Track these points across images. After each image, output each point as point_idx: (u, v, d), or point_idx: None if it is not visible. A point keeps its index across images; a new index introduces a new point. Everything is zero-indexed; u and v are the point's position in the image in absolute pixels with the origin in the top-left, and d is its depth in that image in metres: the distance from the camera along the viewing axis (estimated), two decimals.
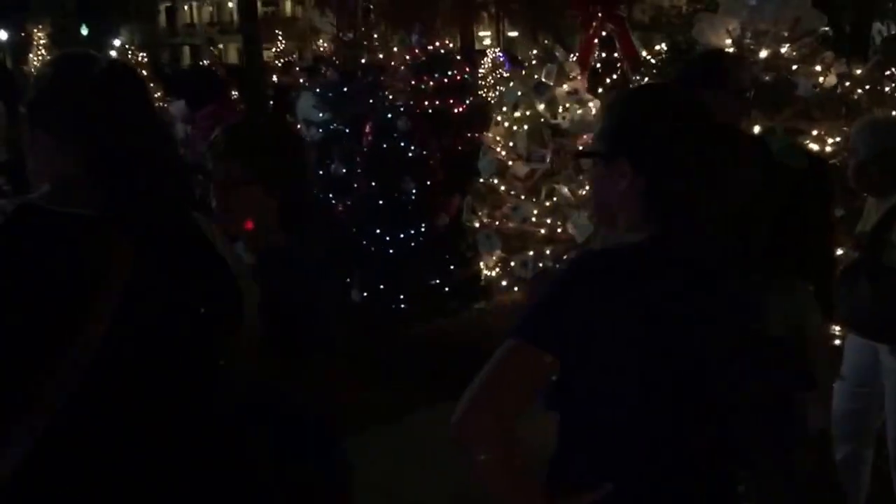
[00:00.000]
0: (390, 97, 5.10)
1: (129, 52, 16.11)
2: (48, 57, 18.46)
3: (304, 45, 33.15)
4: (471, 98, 8.23)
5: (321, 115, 5.12)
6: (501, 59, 16.58)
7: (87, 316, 1.45)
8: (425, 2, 16.44)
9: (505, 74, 15.27)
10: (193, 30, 52.87)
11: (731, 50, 4.52)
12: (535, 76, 6.24)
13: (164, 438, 1.54)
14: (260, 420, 1.84)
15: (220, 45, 44.85)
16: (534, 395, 1.65)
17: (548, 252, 6.04)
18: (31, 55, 19.17)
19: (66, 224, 1.50)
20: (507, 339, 1.63)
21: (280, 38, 18.02)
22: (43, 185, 1.59)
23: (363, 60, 5.53)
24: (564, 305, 1.61)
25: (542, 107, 6.22)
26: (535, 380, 1.63)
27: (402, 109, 5.07)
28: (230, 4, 51.95)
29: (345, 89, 5.06)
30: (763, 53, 4.63)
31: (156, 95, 15.90)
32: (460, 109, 8.02)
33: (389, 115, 4.94)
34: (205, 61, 23.68)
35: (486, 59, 16.88)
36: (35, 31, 18.51)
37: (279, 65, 16.28)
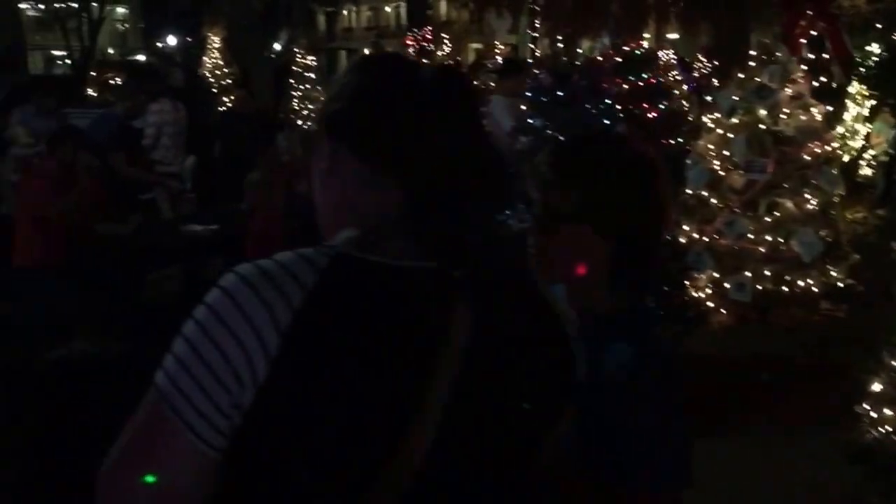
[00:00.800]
0: (608, 101, 4.68)
1: (299, 56, 16.27)
2: (220, 61, 18.96)
3: (462, 47, 33.12)
4: (665, 103, 7.73)
5: (531, 120, 4.76)
6: (674, 62, 15.94)
7: (422, 398, 1.09)
8: (596, 2, 15.89)
9: (678, 78, 14.59)
10: (351, 34, 53.91)
11: None
12: (756, 79, 5.68)
13: None
14: None
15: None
16: None
17: (768, 273, 5.48)
18: (204, 58, 19.66)
19: (395, 280, 1.12)
20: None
21: (446, 40, 17.87)
22: (337, 223, 1.20)
23: (577, 62, 5.13)
24: None
25: (763, 112, 5.65)
26: None
27: (620, 115, 4.65)
28: (387, 9, 52.71)
29: (560, 93, 4.67)
30: None
31: (322, 97, 16.06)
32: (654, 115, 7.53)
33: (608, 121, 4.52)
34: None
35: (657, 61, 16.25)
36: (209, 35, 18.99)
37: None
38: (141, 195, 7.57)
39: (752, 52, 5.94)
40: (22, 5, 34.09)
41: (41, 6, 36.47)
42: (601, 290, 1.60)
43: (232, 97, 13.08)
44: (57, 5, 34.18)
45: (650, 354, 1.56)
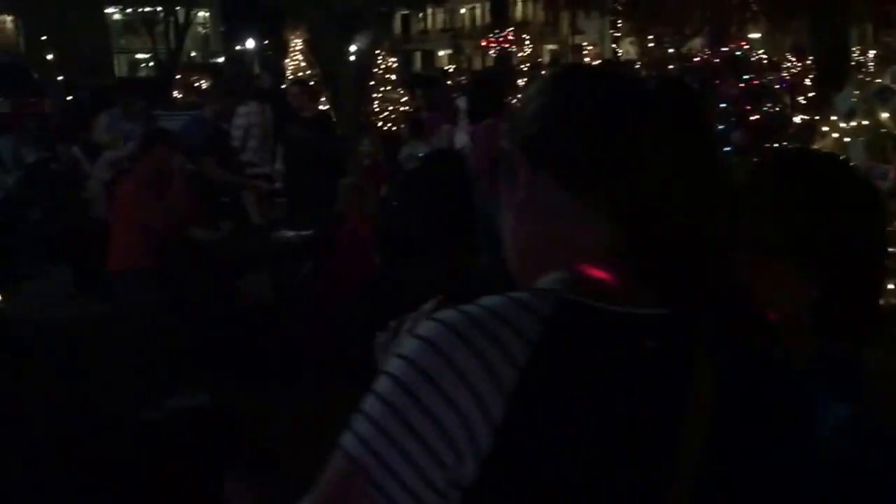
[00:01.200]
0: (722, 106, 4.41)
1: (380, 57, 16.19)
2: (303, 63, 19.01)
3: (538, 49, 32.85)
4: (769, 106, 7.41)
5: None
6: (766, 62, 15.52)
7: (671, 475, 0.91)
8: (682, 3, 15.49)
9: (770, 77, 14.21)
10: (427, 35, 54.01)
11: None
12: (878, 80, 5.35)
13: None
14: None
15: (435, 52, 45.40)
16: None
17: (892, 287, 5.13)
18: (286, 60, 19.72)
19: (629, 332, 0.93)
20: None
21: (527, 41, 17.62)
22: (534, 262, 1.03)
23: (688, 64, 4.88)
24: None
25: (885, 115, 5.31)
26: None
27: (734, 120, 4.38)
28: (462, 11, 52.66)
29: None
30: None
31: (402, 99, 15.97)
32: (758, 117, 7.21)
33: (723, 127, 4.26)
34: (449, 67, 23.70)
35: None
36: (291, 37, 19.04)
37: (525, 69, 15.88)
38: (224, 198, 7.50)
39: (872, 53, 5.61)
40: (108, 10, 35.08)
41: (128, 11, 37.38)
42: (804, 338, 1.32)
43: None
44: (143, 10, 35.02)
45: (869, 415, 1.29)
